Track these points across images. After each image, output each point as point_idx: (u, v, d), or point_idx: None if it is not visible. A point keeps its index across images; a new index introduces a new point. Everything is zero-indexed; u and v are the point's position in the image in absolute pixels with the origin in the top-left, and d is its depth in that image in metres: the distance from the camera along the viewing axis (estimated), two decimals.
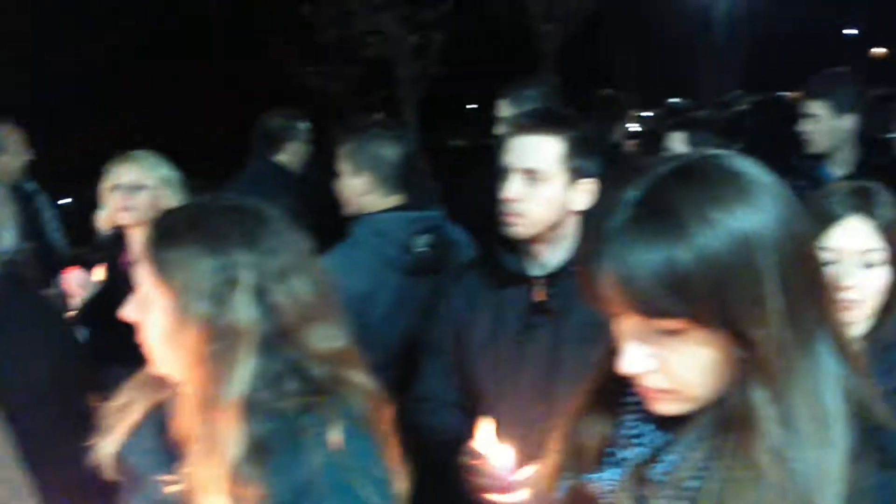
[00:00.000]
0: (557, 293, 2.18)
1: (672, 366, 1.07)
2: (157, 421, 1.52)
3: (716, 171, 1.06)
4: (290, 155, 4.73)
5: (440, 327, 2.38)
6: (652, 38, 16.89)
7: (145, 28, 14.46)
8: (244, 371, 1.39)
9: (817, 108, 4.11)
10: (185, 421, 1.41)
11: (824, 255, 2.06)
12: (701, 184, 1.04)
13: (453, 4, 10.47)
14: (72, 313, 3.35)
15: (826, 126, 4.10)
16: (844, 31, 31.70)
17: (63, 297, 3.48)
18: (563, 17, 11.51)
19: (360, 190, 3.03)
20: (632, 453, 1.17)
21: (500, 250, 2.30)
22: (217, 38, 13.64)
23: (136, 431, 1.54)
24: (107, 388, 1.63)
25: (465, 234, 3.20)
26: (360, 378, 1.51)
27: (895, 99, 5.19)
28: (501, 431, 1.86)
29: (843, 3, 25.20)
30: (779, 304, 1.02)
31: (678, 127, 4.16)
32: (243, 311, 1.39)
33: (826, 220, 2.07)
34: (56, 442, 1.83)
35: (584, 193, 2.19)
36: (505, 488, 1.86)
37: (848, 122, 4.06)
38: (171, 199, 3.27)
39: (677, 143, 4.07)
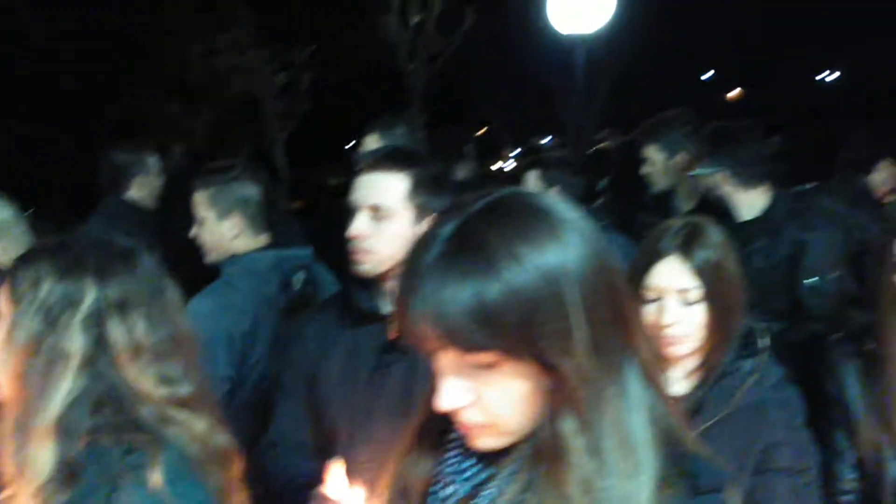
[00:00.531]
0: None
1: (487, 400, 1.08)
2: None
3: (524, 208, 1.09)
4: (140, 190, 4.47)
5: (292, 369, 2.34)
6: (519, 77, 17.33)
7: None
8: (61, 393, 1.38)
9: (650, 151, 4.32)
10: (4, 439, 1.40)
11: (646, 293, 2.13)
12: (509, 220, 1.07)
13: (321, 42, 10.50)
14: None
15: (660, 167, 4.30)
16: (703, 77, 33.41)
17: None
18: (428, 56, 11.68)
19: (229, 234, 2.99)
20: (454, 490, 1.17)
21: (353, 288, 2.28)
22: (70, 76, 13.07)
23: None
24: None
25: (331, 272, 3.17)
26: (196, 423, 1.48)
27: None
28: (355, 473, 1.83)
29: (699, 48, 26.50)
30: (584, 336, 1.04)
31: (533, 166, 4.25)
32: (73, 336, 1.41)
33: (650, 258, 2.14)
34: None
35: None
36: None
37: (681, 160, 4.26)
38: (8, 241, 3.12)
39: (532, 181, 4.16)
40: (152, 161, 4.56)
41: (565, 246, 1.06)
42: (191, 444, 1.45)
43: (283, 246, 3.09)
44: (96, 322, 1.42)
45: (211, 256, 3.04)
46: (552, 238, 1.06)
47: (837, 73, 36.01)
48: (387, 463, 1.29)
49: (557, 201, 1.13)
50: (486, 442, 1.12)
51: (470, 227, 1.06)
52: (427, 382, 2.02)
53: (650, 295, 2.12)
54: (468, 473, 1.17)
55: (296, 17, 12.19)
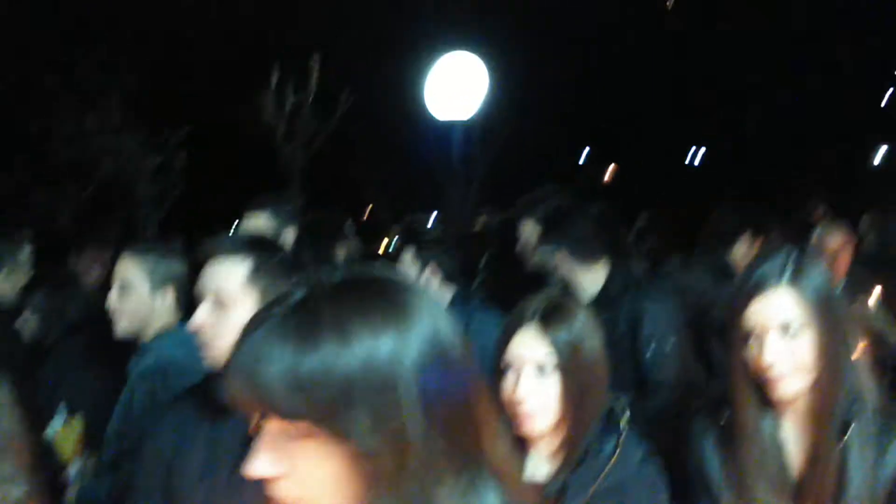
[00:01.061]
0: None
1: (300, 474, 1.04)
2: None
3: (375, 290, 1.07)
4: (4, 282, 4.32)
5: (146, 466, 2.20)
6: (400, 157, 17.55)
7: None
8: None
9: (526, 229, 4.40)
10: None
11: (505, 364, 2.12)
12: (353, 298, 1.04)
13: (197, 122, 10.40)
14: None
15: (536, 245, 4.36)
16: (584, 153, 34.66)
17: None
18: (306, 137, 11.73)
19: (161, 308, 3.01)
20: None
21: (212, 378, 2.19)
22: None
23: None
24: None
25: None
26: None
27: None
28: None
29: (576, 127, 27.53)
30: (414, 429, 1.01)
31: (407, 245, 4.28)
32: None
33: (511, 328, 2.15)
34: None
35: None
36: None
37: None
38: None
39: (407, 261, 4.15)
40: (22, 253, 4.40)
41: (408, 335, 1.03)
42: None
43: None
44: None
45: (127, 328, 3.01)
46: (395, 325, 1.03)
47: (704, 150, 38.02)
48: None
49: (418, 288, 1.10)
50: None
51: (313, 300, 1.04)
52: None
53: (508, 366, 2.11)
54: None
55: (170, 96, 12.06)
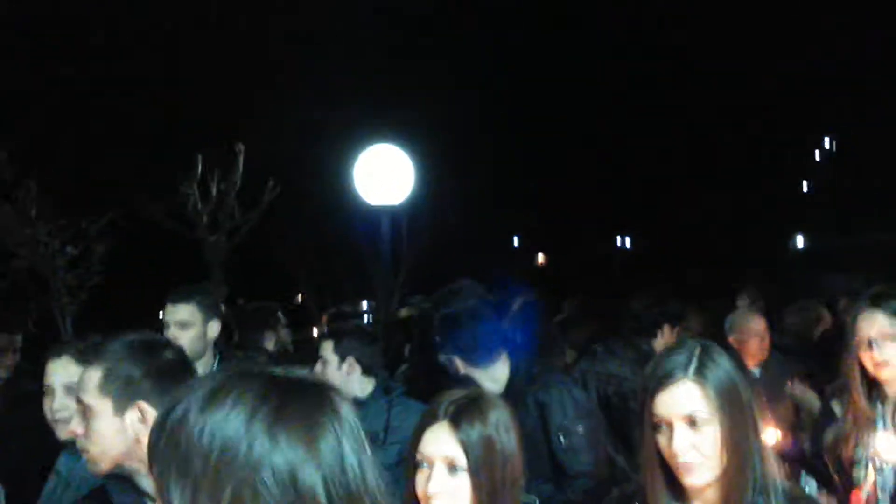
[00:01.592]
0: None
1: None
2: None
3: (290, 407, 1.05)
4: None
5: None
6: (328, 244, 17.52)
7: None
8: None
9: None
10: None
11: (417, 460, 2.12)
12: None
13: (116, 212, 10.23)
14: None
15: None
16: (514, 242, 35.15)
17: None
18: (231, 227, 11.62)
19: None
20: None
21: (112, 482, 2.11)
22: None
23: None
24: None
25: None
26: None
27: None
28: None
29: (506, 217, 27.96)
30: None
31: (327, 336, 4.21)
32: None
33: (423, 423, 2.16)
34: None
35: (140, 416, 2.07)
36: None
37: None
38: None
39: (328, 353, 4.11)
40: None
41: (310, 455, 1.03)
42: None
43: None
44: None
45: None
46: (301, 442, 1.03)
47: (629, 239, 38.86)
48: None
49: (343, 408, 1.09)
50: None
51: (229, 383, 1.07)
52: None
53: (420, 461, 2.11)
54: None
55: (90, 185, 11.89)
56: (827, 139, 39.36)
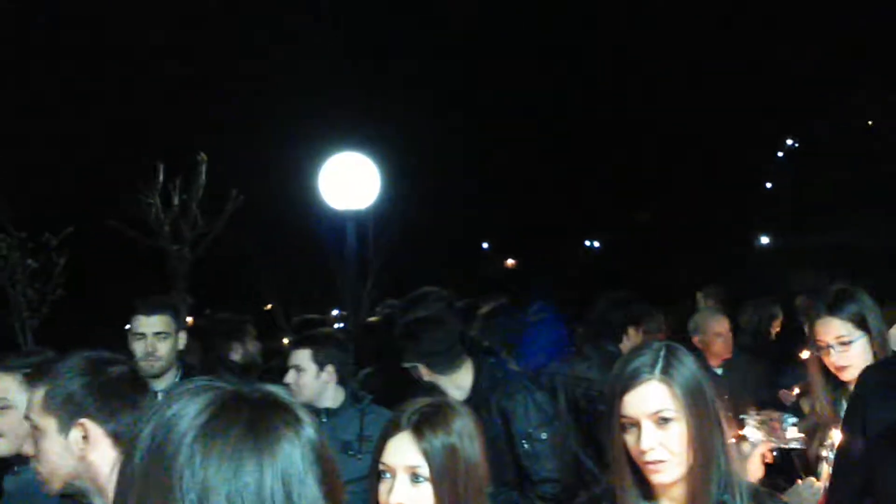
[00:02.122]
0: None
1: None
2: None
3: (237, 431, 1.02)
4: None
5: None
6: (294, 252, 17.43)
7: None
8: None
9: None
10: None
11: (381, 469, 2.13)
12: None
13: (78, 224, 10.07)
14: None
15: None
16: (483, 245, 35.25)
17: None
18: (194, 236, 11.51)
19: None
20: None
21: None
22: None
23: None
24: None
25: None
26: None
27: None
28: None
29: (476, 222, 28.04)
30: None
31: (304, 344, 4.17)
32: None
33: (386, 433, 2.17)
34: None
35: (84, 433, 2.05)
36: None
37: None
38: None
39: (305, 361, 4.09)
40: None
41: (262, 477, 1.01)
42: None
43: None
44: None
45: (7, 446, 2.87)
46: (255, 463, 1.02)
47: (598, 244, 39.06)
48: None
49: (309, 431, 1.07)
50: None
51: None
52: None
53: (383, 471, 2.12)
54: None
55: (51, 197, 11.74)
56: (789, 139, 39.86)
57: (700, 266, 21.22)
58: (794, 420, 3.47)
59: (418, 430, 2.10)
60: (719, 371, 5.30)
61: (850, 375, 2.99)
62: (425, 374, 3.78)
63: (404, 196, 14.96)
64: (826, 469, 3.01)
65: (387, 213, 13.25)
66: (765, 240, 34.07)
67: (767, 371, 5.50)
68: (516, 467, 3.54)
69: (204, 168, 11.27)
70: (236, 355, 5.72)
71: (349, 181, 8.20)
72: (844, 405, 3.00)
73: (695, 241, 29.42)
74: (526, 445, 3.53)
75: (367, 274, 13.89)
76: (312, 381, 4.06)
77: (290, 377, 4.06)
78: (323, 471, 1.04)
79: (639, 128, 31.91)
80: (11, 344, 9.20)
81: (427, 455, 2.08)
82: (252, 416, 1.02)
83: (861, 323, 3.07)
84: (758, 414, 3.30)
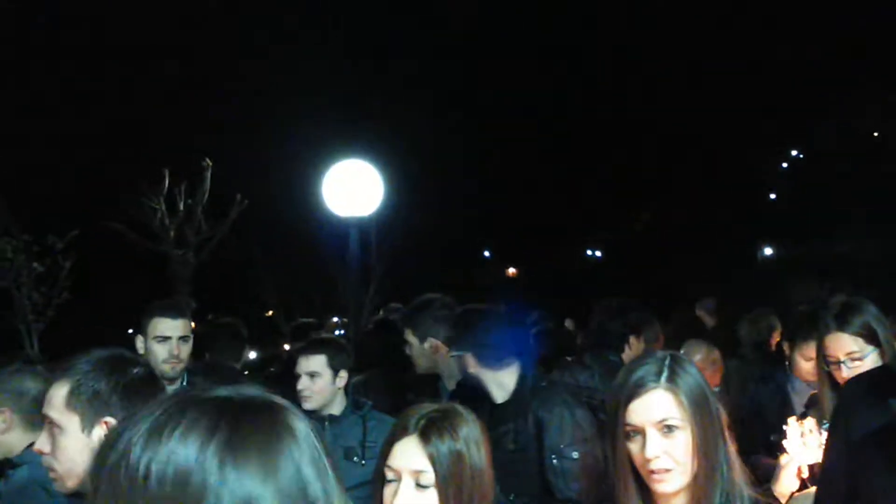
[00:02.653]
0: None
1: None
2: None
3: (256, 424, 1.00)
4: None
5: None
6: (298, 260, 17.42)
7: None
8: None
9: (408, 335, 4.40)
10: None
11: (387, 473, 2.13)
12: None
13: (83, 228, 10.11)
14: None
15: (417, 350, 4.37)
16: (485, 254, 35.24)
17: None
18: (198, 241, 11.54)
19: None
20: None
21: (78, 502, 2.08)
22: None
23: None
24: None
25: None
26: None
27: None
28: None
29: (477, 231, 28.01)
30: None
31: (319, 350, 4.17)
32: None
33: (393, 437, 2.18)
34: None
35: (106, 431, 2.08)
36: None
37: (432, 345, 4.36)
38: None
39: (319, 366, 4.09)
40: None
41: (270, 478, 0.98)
42: None
43: None
44: None
45: None
46: (259, 467, 0.98)
47: (599, 253, 39.03)
48: None
49: (300, 429, 1.05)
50: None
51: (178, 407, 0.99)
52: None
53: (389, 475, 2.12)
54: None
55: (54, 201, 11.76)
56: (794, 150, 39.85)
57: (701, 275, 21.20)
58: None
59: (425, 435, 2.11)
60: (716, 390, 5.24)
61: None
62: (472, 365, 3.69)
63: (406, 202, 14.95)
64: None
65: (389, 220, 13.26)
66: (768, 250, 34.04)
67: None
68: (542, 481, 3.43)
69: (209, 174, 11.31)
70: (232, 362, 5.72)
71: (353, 188, 8.23)
72: None
73: (696, 248, 29.40)
74: (555, 461, 3.42)
75: (370, 280, 13.91)
76: (328, 386, 4.07)
77: (304, 383, 4.06)
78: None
79: (644, 136, 31.92)
80: (17, 347, 9.23)
81: (433, 460, 2.09)
82: (258, 423, 1.02)
83: (871, 336, 3.07)
84: (801, 426, 3.16)
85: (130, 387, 2.10)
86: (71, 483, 2.02)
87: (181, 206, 11.32)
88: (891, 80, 26.74)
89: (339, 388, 4.13)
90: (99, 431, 2.03)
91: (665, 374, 2.14)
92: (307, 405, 4.04)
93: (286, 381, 4.43)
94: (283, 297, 17.40)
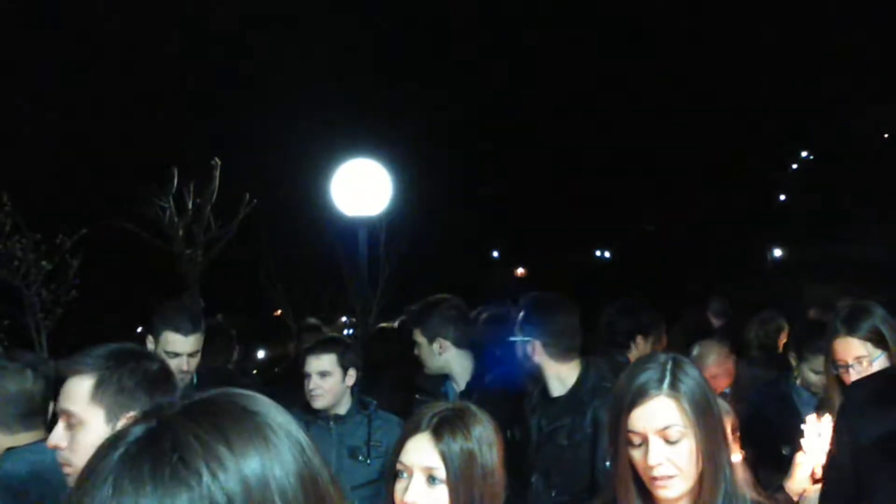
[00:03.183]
0: None
1: None
2: None
3: (233, 410, 1.01)
4: None
5: None
6: (306, 260, 17.46)
7: None
8: None
9: (416, 336, 4.40)
10: None
11: (399, 469, 2.15)
12: (212, 424, 0.98)
13: (91, 226, 10.14)
14: None
15: (425, 351, 4.37)
16: (494, 254, 35.29)
17: None
18: (207, 241, 11.57)
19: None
20: None
21: None
22: None
23: None
24: None
25: None
26: None
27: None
28: None
29: (486, 232, 28.04)
30: None
31: (329, 349, 4.20)
32: None
33: (406, 434, 2.21)
34: None
35: None
36: None
37: (440, 346, 4.35)
38: None
39: (329, 365, 4.11)
40: None
41: (272, 454, 0.99)
42: None
43: None
44: None
45: None
46: (258, 444, 0.98)
47: (608, 253, 38.98)
48: None
49: (269, 404, 1.05)
50: None
51: (165, 428, 0.96)
52: None
53: (400, 471, 2.15)
54: None
55: (63, 200, 11.79)
56: (804, 151, 39.77)
57: (710, 276, 21.17)
58: None
59: (438, 433, 2.13)
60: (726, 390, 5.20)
61: None
62: (537, 353, 3.66)
63: (415, 202, 14.97)
64: None
65: (398, 222, 13.27)
66: (777, 252, 33.96)
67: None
68: (591, 481, 3.37)
69: (218, 173, 11.34)
70: (224, 361, 5.75)
71: (361, 188, 8.25)
72: None
73: (705, 249, 29.35)
74: (608, 465, 3.43)
75: (378, 280, 13.91)
76: (339, 385, 4.10)
77: (314, 382, 4.07)
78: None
79: (654, 138, 31.88)
80: (27, 345, 9.28)
81: (444, 457, 2.11)
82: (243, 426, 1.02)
83: (880, 340, 3.06)
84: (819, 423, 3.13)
85: (152, 381, 2.11)
86: None
87: (190, 206, 11.35)
88: None
89: (348, 387, 4.16)
90: (122, 425, 2.03)
91: (667, 381, 2.12)
92: (317, 404, 4.07)
93: (291, 380, 4.43)
94: (291, 296, 17.43)
